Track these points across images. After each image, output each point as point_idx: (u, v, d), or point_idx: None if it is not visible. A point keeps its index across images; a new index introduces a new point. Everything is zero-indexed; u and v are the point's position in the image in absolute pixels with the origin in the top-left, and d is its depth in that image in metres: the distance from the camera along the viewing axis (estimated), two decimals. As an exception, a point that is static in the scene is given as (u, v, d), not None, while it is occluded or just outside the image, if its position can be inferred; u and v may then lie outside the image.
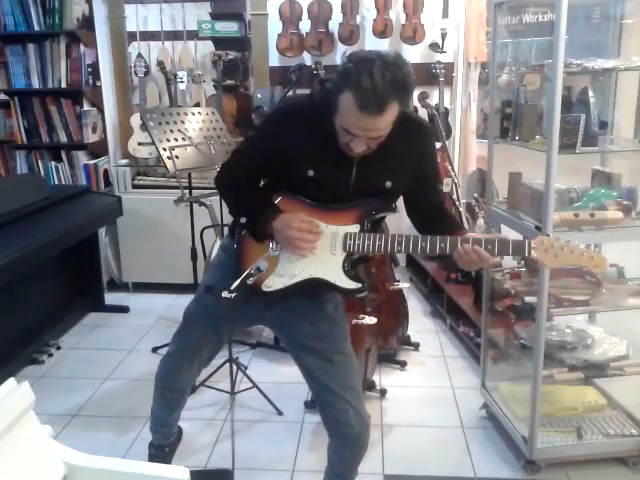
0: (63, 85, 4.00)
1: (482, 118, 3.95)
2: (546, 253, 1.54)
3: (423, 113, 4.27)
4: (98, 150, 4.18)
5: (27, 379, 1.27)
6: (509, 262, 2.84)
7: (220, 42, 4.31)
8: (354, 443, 1.88)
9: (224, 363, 2.84)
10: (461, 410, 2.81)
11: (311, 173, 1.63)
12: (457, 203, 3.87)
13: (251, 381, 2.89)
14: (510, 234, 2.72)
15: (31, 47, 3.94)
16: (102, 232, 4.12)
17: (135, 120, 4.05)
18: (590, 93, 2.19)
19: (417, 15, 4.17)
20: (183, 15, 4.25)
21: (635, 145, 2.32)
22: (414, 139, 1.69)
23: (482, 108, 3.98)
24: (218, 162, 3.06)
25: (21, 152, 4.12)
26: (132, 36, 4.30)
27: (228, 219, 1.98)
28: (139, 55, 4.27)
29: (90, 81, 4.07)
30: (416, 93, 4.26)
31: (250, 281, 1.61)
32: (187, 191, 3.28)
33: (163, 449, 2.23)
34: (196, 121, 3.23)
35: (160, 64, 4.31)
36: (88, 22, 4.02)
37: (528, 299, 2.32)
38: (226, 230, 2.00)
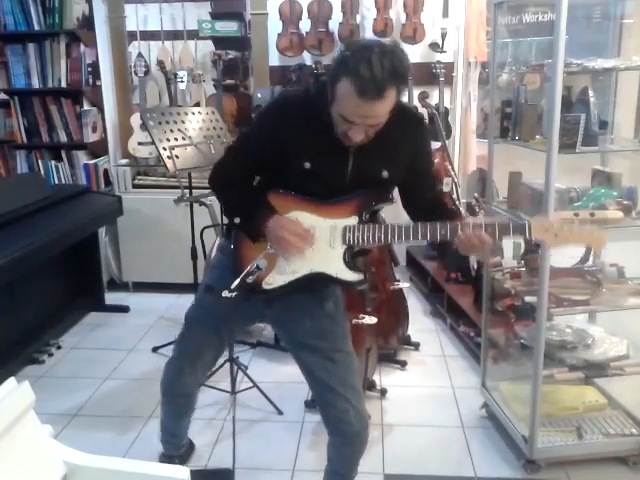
0: (63, 85, 4.00)
1: (482, 118, 3.96)
2: (546, 233, 1.55)
3: (423, 113, 4.28)
4: (98, 150, 4.17)
5: (27, 379, 1.27)
6: (509, 262, 2.84)
7: (220, 42, 4.31)
8: (354, 441, 1.88)
9: (224, 363, 2.83)
10: (461, 410, 2.81)
11: (307, 165, 1.62)
12: (457, 203, 3.87)
13: (251, 381, 2.89)
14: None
15: (31, 47, 3.94)
16: (102, 232, 4.12)
17: (135, 120, 4.05)
18: (590, 93, 2.19)
19: (417, 14, 4.16)
20: (183, 15, 4.25)
21: (635, 145, 2.32)
22: (410, 131, 1.70)
23: (482, 108, 3.99)
24: (218, 162, 3.05)
25: (21, 152, 4.12)
26: (132, 36, 4.30)
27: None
28: (139, 55, 4.27)
29: (90, 81, 4.07)
30: (416, 93, 4.27)
31: (250, 280, 1.61)
32: (187, 191, 3.28)
33: (173, 460, 2.22)
34: (196, 121, 3.23)
35: (160, 64, 4.30)
36: (88, 22, 4.02)
37: (528, 299, 2.32)
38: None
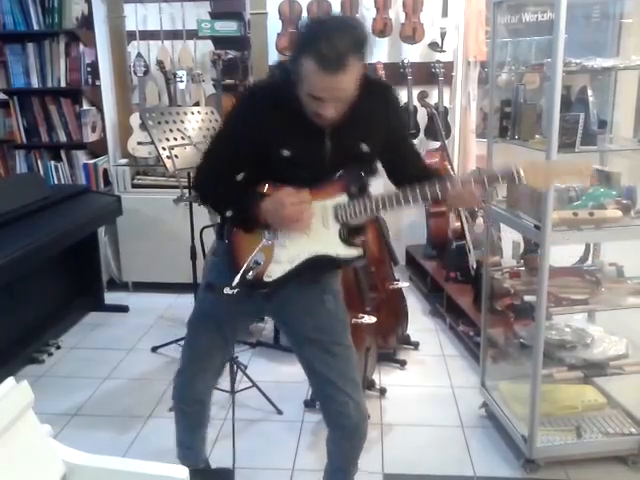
0: (62, 84, 4.00)
1: (481, 117, 3.94)
2: (534, 177, 1.58)
3: (422, 112, 4.28)
4: (97, 149, 4.17)
5: (27, 378, 1.27)
6: (508, 261, 2.85)
7: (219, 41, 4.31)
8: (353, 434, 1.88)
9: (224, 362, 2.84)
10: (461, 409, 2.81)
11: (286, 153, 1.61)
12: (457, 202, 3.86)
13: (251, 380, 2.89)
14: (509, 234, 2.74)
15: (30, 46, 3.93)
16: (102, 231, 4.12)
17: (134, 119, 4.05)
18: (589, 92, 2.19)
19: (416, 14, 4.16)
20: (182, 14, 4.25)
21: (634, 144, 2.32)
22: (380, 100, 1.70)
23: (481, 107, 3.97)
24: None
25: (20, 152, 4.12)
26: (131, 35, 4.30)
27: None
28: (138, 54, 4.27)
29: (89, 80, 4.07)
30: (415, 92, 4.26)
31: (250, 276, 1.61)
32: (186, 190, 3.27)
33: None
34: (195, 120, 3.23)
35: (159, 63, 4.30)
36: (87, 21, 4.02)
37: (527, 298, 2.32)
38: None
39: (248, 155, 1.67)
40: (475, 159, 4.24)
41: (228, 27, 4.21)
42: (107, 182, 4.19)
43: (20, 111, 4.04)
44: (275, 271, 1.67)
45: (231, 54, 4.35)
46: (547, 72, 2.12)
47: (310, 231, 1.65)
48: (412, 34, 4.19)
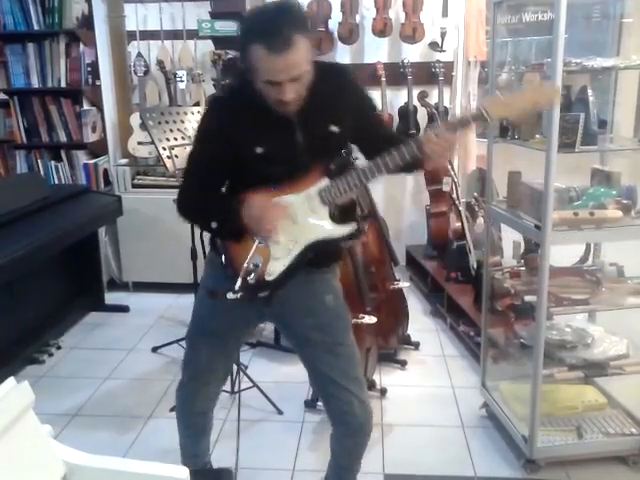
0: (63, 84, 4.00)
1: (482, 117, 3.95)
2: (502, 109, 1.60)
3: (423, 112, 4.28)
4: (98, 149, 4.17)
5: (27, 379, 1.27)
6: (509, 261, 2.85)
7: (220, 41, 4.30)
8: (357, 432, 1.88)
9: (224, 362, 2.84)
10: (461, 409, 2.81)
11: (259, 150, 1.63)
12: (457, 202, 3.87)
13: (251, 381, 2.89)
14: (510, 234, 2.74)
15: (30, 46, 3.93)
16: (102, 231, 4.12)
17: (135, 119, 4.05)
18: (589, 92, 2.19)
19: (416, 14, 4.16)
20: (183, 14, 4.25)
21: (634, 144, 2.32)
22: (338, 82, 1.72)
23: (482, 107, 3.98)
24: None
25: (21, 152, 4.12)
26: (132, 35, 4.30)
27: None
28: (139, 54, 4.27)
29: (90, 80, 4.07)
30: (416, 92, 4.26)
31: (252, 279, 1.60)
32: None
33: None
34: (196, 120, 3.23)
35: (160, 63, 4.30)
36: (87, 21, 4.02)
37: (528, 298, 2.32)
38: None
39: (224, 163, 1.68)
40: (475, 159, 4.24)
41: (228, 27, 4.20)
42: (107, 182, 4.19)
43: (20, 111, 4.04)
44: (275, 268, 1.66)
45: (231, 54, 4.34)
46: (547, 72, 2.12)
47: (299, 222, 1.65)
48: (412, 34, 4.19)
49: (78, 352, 3.45)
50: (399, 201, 4.66)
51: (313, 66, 1.57)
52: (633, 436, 2.35)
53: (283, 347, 3.33)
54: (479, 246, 3.54)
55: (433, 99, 4.30)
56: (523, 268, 2.51)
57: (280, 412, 2.80)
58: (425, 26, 4.20)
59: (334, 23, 4.22)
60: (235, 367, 2.80)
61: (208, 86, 4.38)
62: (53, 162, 4.12)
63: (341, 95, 1.70)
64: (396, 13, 4.23)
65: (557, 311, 2.28)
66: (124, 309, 3.99)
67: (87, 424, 2.74)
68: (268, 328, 3.58)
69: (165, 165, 3.01)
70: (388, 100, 4.21)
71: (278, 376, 3.10)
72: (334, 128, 1.67)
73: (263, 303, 1.73)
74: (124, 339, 3.57)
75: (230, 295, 1.59)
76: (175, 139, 3.09)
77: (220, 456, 2.40)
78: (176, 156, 3.03)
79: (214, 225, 1.69)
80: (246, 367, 3.09)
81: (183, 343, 2.42)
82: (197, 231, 3.44)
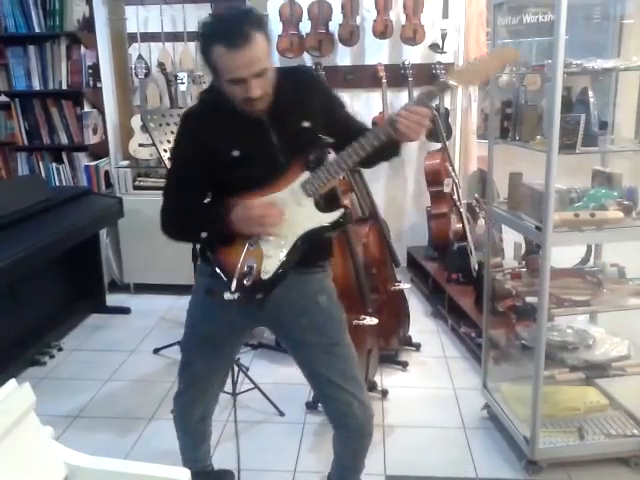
0: (64, 87, 4.01)
1: (482, 118, 3.95)
2: (467, 77, 1.68)
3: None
4: (99, 151, 4.18)
5: (29, 380, 1.27)
6: (510, 262, 2.85)
7: (220, 43, 4.31)
8: (359, 433, 1.88)
9: (225, 364, 2.84)
10: (462, 411, 2.80)
11: (236, 153, 1.65)
12: (458, 203, 3.87)
13: (252, 382, 2.89)
14: (511, 235, 2.74)
15: (32, 49, 3.94)
16: (103, 233, 4.13)
17: (136, 121, 4.05)
18: (590, 93, 2.19)
19: (417, 16, 4.16)
20: (183, 16, 4.25)
21: (635, 145, 2.32)
22: (303, 83, 1.76)
23: (482, 108, 3.98)
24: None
25: (22, 154, 4.13)
26: (132, 37, 4.30)
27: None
28: (139, 56, 4.27)
29: (91, 82, 4.08)
30: (416, 93, 4.25)
31: (248, 282, 1.61)
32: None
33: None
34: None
35: (160, 65, 4.31)
36: (88, 24, 4.03)
37: (529, 299, 2.32)
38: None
39: (204, 176, 1.69)
40: (476, 160, 4.24)
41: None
42: (108, 184, 4.19)
43: (22, 113, 4.05)
44: (270, 266, 1.66)
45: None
46: (548, 73, 2.12)
47: (287, 218, 1.66)
48: (413, 35, 4.19)
49: (79, 354, 3.45)
50: (400, 202, 4.66)
51: (276, 72, 1.62)
52: (635, 437, 2.35)
53: (284, 349, 3.32)
54: (480, 247, 3.54)
55: (434, 101, 4.29)
56: (524, 269, 2.51)
57: (281, 414, 2.80)
58: (426, 28, 4.20)
59: (335, 25, 4.22)
60: (236, 368, 2.80)
61: (209, 88, 4.38)
62: (54, 164, 4.12)
63: (308, 94, 1.73)
64: (397, 15, 4.23)
65: (558, 312, 2.28)
66: (125, 311, 3.99)
67: (88, 426, 2.74)
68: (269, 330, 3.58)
69: (166, 167, 3.01)
70: (389, 102, 4.21)
71: (279, 377, 3.10)
72: (306, 124, 1.70)
73: (257, 307, 1.73)
74: (125, 341, 3.57)
75: (227, 295, 1.59)
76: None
77: (222, 458, 2.40)
78: (177, 158, 3.04)
79: (204, 235, 1.70)
80: (247, 369, 3.09)
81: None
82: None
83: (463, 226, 3.76)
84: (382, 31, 4.18)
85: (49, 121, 4.06)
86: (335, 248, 2.73)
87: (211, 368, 1.92)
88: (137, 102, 4.34)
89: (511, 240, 2.81)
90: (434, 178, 4.10)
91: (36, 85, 4.00)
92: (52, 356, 3.34)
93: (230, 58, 1.52)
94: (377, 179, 4.45)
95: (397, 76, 4.23)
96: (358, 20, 4.24)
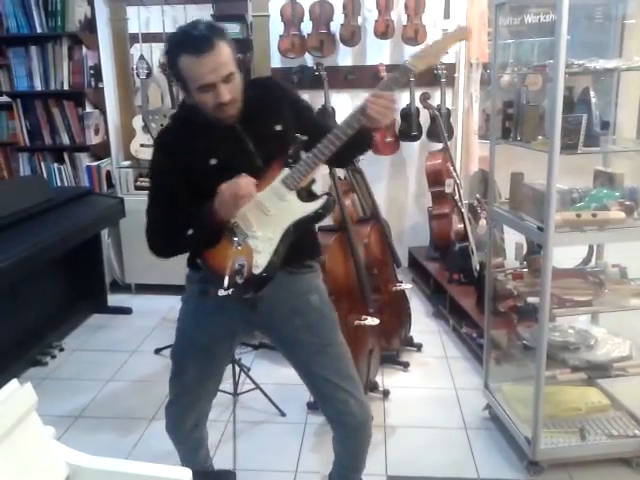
0: (65, 87, 4.01)
1: (484, 119, 3.95)
2: (424, 60, 1.73)
3: (425, 114, 4.28)
4: (100, 152, 4.18)
5: (30, 380, 1.27)
6: (511, 263, 2.85)
7: (222, 43, 4.32)
8: (357, 432, 1.88)
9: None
10: (464, 411, 2.80)
11: (213, 161, 1.67)
12: (459, 204, 3.87)
13: (254, 382, 2.89)
14: (512, 235, 2.74)
15: (33, 49, 3.95)
16: (105, 233, 4.13)
17: (137, 122, 4.06)
18: (592, 93, 2.19)
19: (418, 16, 4.16)
20: (185, 17, 4.25)
21: (637, 145, 2.32)
22: (267, 89, 1.80)
23: (484, 109, 3.98)
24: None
25: (24, 154, 4.13)
26: (134, 38, 4.31)
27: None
28: (141, 57, 4.28)
29: (92, 83, 4.09)
30: (418, 94, 4.26)
31: (240, 280, 1.61)
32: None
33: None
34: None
35: (162, 66, 4.31)
36: (90, 24, 4.04)
37: (530, 300, 2.32)
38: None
39: (184, 191, 1.70)
40: (478, 161, 4.24)
41: (230, 29, 4.20)
42: (110, 184, 4.20)
43: (23, 114, 4.05)
44: (261, 260, 1.66)
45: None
46: (549, 73, 2.12)
47: (271, 214, 1.67)
48: (414, 36, 4.19)
49: (81, 354, 3.45)
50: (401, 203, 4.66)
51: (244, 83, 1.66)
52: (636, 438, 2.35)
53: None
54: (481, 248, 3.53)
55: (435, 101, 4.30)
56: (526, 270, 2.51)
57: (282, 414, 2.80)
58: (427, 28, 4.20)
59: (336, 25, 4.22)
60: (238, 369, 2.80)
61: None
62: (56, 164, 4.13)
63: (276, 100, 1.77)
64: (398, 15, 4.24)
65: (560, 312, 2.28)
66: (127, 311, 4.00)
67: (90, 426, 2.74)
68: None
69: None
70: (390, 102, 4.20)
71: (281, 378, 3.10)
72: (278, 127, 1.73)
73: (250, 309, 1.73)
74: (127, 341, 3.57)
75: (221, 292, 1.59)
76: (177, 141, 3.10)
77: (223, 458, 2.41)
78: (178, 158, 3.04)
79: (190, 232, 1.69)
80: (248, 369, 3.09)
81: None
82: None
83: (464, 226, 3.75)
84: (383, 31, 4.18)
85: (51, 121, 4.07)
86: (336, 249, 2.75)
87: (204, 375, 1.91)
88: (139, 102, 4.35)
89: (513, 240, 2.81)
90: (435, 178, 4.10)
91: (38, 85, 4.00)
92: (53, 356, 3.35)
93: (197, 64, 1.56)
94: (378, 179, 4.45)
95: (398, 76, 4.22)
96: (359, 20, 4.24)
